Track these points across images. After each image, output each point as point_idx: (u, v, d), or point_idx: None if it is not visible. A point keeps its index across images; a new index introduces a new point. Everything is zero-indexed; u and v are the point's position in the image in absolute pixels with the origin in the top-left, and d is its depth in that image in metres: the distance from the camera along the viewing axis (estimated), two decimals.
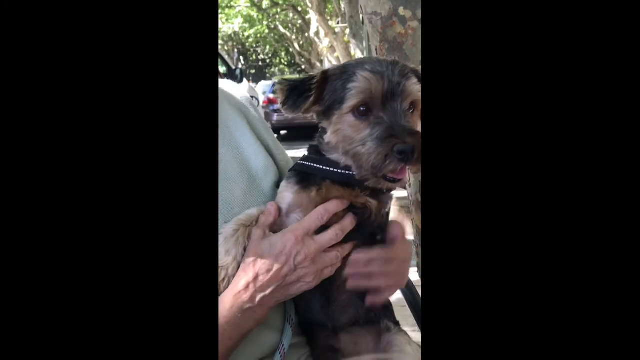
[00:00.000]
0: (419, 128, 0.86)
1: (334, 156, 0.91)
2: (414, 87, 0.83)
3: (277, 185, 1.00)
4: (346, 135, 0.84)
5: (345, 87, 0.84)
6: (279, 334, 0.96)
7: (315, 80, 0.86)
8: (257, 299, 0.82)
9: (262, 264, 0.82)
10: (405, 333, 1.01)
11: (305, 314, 1.02)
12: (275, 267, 0.82)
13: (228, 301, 0.82)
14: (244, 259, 0.85)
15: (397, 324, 1.02)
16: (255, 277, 0.82)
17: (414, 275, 1.61)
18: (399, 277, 0.97)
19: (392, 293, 0.98)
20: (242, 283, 0.82)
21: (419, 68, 0.88)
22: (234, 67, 7.31)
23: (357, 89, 0.83)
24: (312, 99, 0.85)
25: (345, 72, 0.86)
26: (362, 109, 0.83)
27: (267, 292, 0.82)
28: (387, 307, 1.04)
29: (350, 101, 0.83)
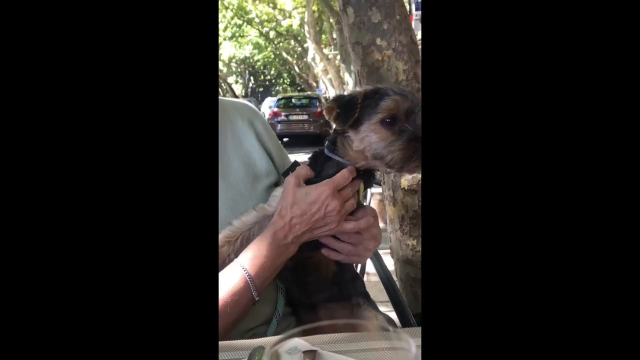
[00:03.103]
0: None
1: (342, 159, 1.10)
2: None
3: (275, 184, 1.22)
4: (373, 140, 1.04)
5: (378, 104, 1.05)
6: (273, 306, 1.15)
7: (359, 100, 1.07)
8: (290, 238, 0.99)
9: (297, 210, 0.99)
10: (374, 307, 1.21)
11: (287, 293, 1.23)
12: (309, 213, 0.99)
13: (268, 238, 0.99)
14: (281, 203, 1.02)
15: (367, 297, 1.22)
16: (290, 220, 0.99)
17: (387, 257, 1.85)
18: (363, 249, 1.12)
19: (355, 261, 1.15)
20: (280, 224, 0.99)
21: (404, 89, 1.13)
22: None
23: (387, 104, 1.04)
24: (357, 114, 1.06)
25: (377, 92, 1.07)
26: (388, 120, 1.04)
27: (299, 233, 0.99)
28: (358, 284, 1.24)
29: (381, 114, 1.04)
